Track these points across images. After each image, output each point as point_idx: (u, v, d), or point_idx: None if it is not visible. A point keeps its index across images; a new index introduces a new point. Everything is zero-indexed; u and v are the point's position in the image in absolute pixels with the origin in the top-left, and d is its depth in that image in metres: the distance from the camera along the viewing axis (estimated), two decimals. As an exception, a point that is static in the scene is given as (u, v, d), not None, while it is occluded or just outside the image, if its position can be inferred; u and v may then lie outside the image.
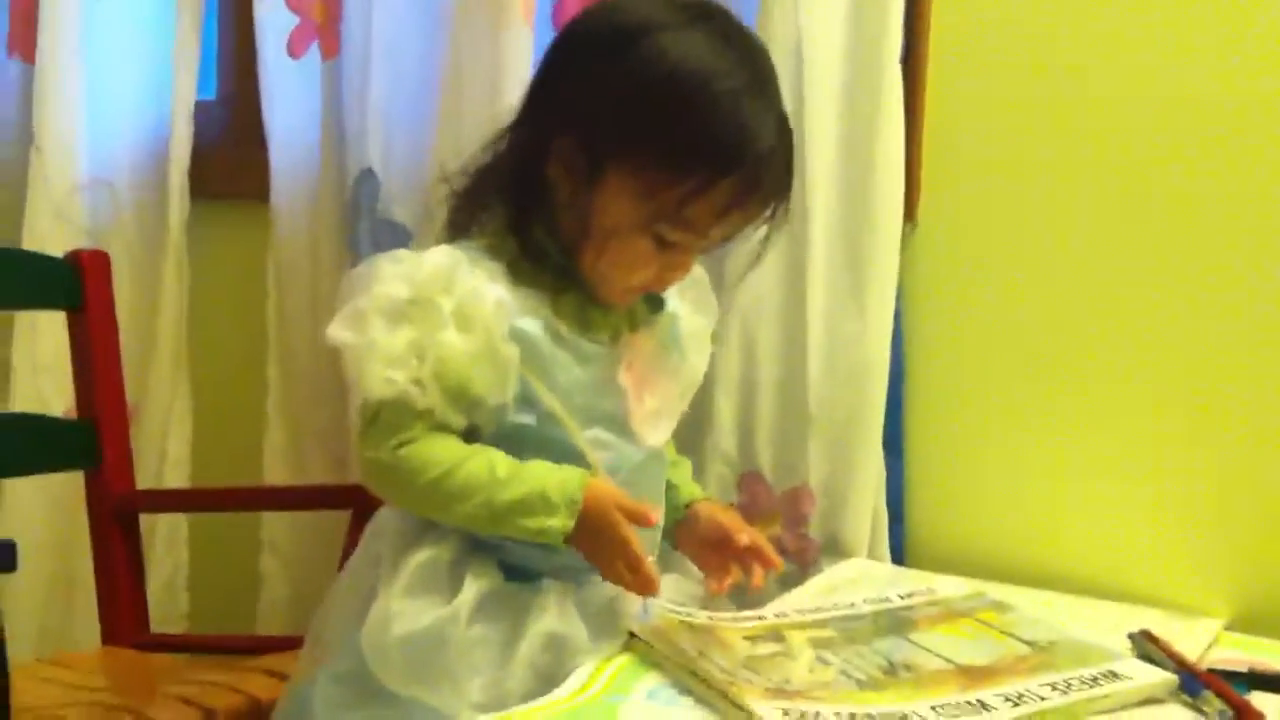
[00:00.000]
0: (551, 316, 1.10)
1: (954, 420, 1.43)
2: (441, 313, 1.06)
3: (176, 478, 1.88)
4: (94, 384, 1.57)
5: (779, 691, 0.96)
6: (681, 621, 1.08)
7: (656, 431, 1.16)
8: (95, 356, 1.57)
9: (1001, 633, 1.13)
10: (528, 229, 1.11)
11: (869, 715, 0.93)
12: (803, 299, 1.39)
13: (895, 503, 1.43)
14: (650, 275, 1.11)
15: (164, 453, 1.87)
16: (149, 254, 1.87)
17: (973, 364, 1.42)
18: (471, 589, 1.06)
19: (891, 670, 1.03)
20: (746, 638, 1.07)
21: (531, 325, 1.09)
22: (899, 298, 1.39)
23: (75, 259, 1.58)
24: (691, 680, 0.99)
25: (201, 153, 1.87)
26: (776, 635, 1.09)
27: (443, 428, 1.07)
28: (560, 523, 1.04)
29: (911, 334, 1.43)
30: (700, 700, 0.97)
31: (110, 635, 1.57)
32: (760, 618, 1.14)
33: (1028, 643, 1.10)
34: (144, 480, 1.75)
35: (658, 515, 1.12)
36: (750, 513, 1.42)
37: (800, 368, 1.39)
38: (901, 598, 1.21)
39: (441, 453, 1.07)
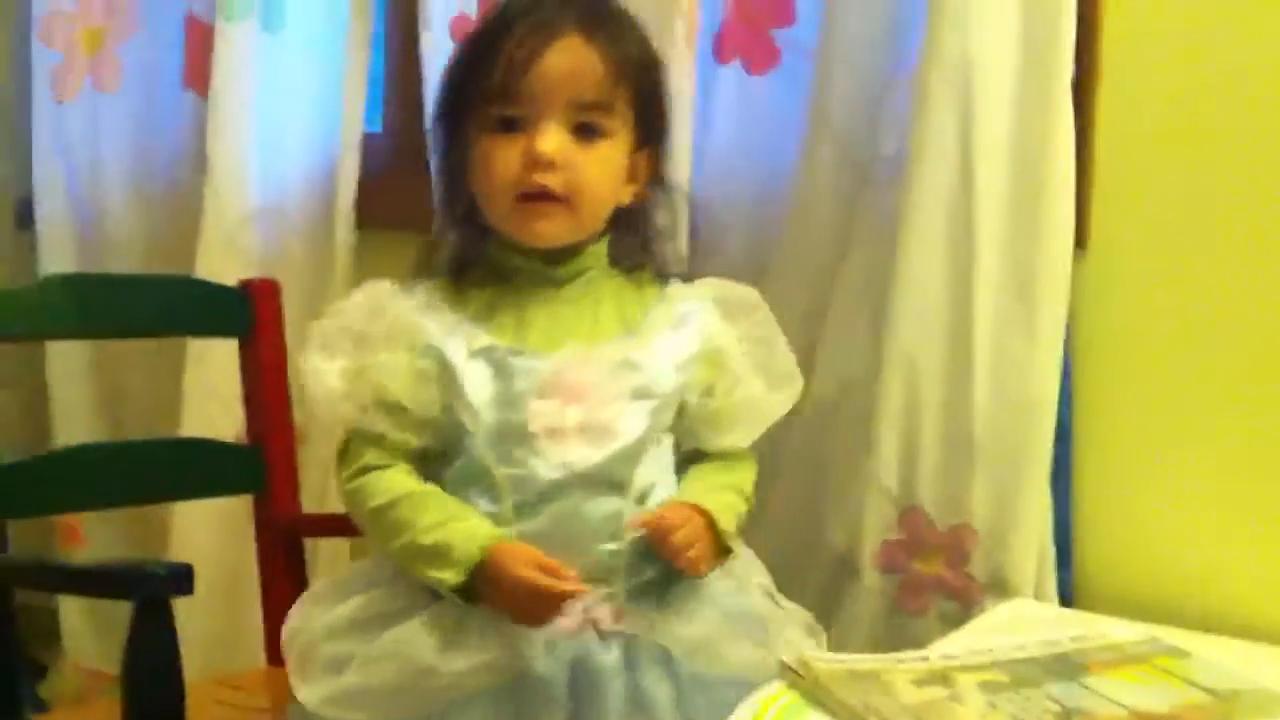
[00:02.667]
0: (479, 333, 1.14)
1: (1125, 454, 1.39)
2: (371, 338, 1.14)
3: (339, 503, 1.92)
4: (263, 410, 1.61)
5: (948, 739, 0.93)
6: (844, 668, 1.06)
7: (576, 448, 1.11)
8: (265, 383, 1.61)
9: (1181, 680, 1.08)
10: (450, 244, 1.19)
11: (1043, 765, 0.90)
12: (969, 327, 1.36)
13: (1063, 541, 1.38)
14: (514, 168, 1.12)
15: (328, 478, 1.91)
16: (317, 282, 1.92)
17: (1145, 394, 1.37)
18: (356, 601, 1.14)
19: (1065, 716, 1.00)
20: (913, 682, 1.05)
21: (448, 342, 1.13)
22: (1068, 325, 1.35)
23: (247, 287, 1.62)
24: (856, 723, 0.96)
25: (367, 183, 1.92)
26: (944, 678, 1.06)
27: (400, 452, 1.14)
28: (451, 577, 1.07)
29: (1081, 363, 1.38)
30: (867, 744, 0.94)
31: (275, 655, 1.60)
32: (925, 659, 1.11)
33: (1209, 691, 1.05)
34: (309, 504, 1.79)
35: (570, 570, 1.06)
36: (912, 550, 1.39)
37: (965, 399, 1.36)
38: (1072, 640, 1.17)
39: (387, 487, 1.13)
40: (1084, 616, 1.30)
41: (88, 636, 2.19)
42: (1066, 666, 1.10)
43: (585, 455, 1.11)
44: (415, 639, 1.10)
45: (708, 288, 1.22)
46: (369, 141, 1.93)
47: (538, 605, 1.06)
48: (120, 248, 2.19)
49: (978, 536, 1.36)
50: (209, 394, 1.93)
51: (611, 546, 1.11)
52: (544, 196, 1.12)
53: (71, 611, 2.17)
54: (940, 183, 1.34)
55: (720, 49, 1.56)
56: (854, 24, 1.42)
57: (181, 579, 1.18)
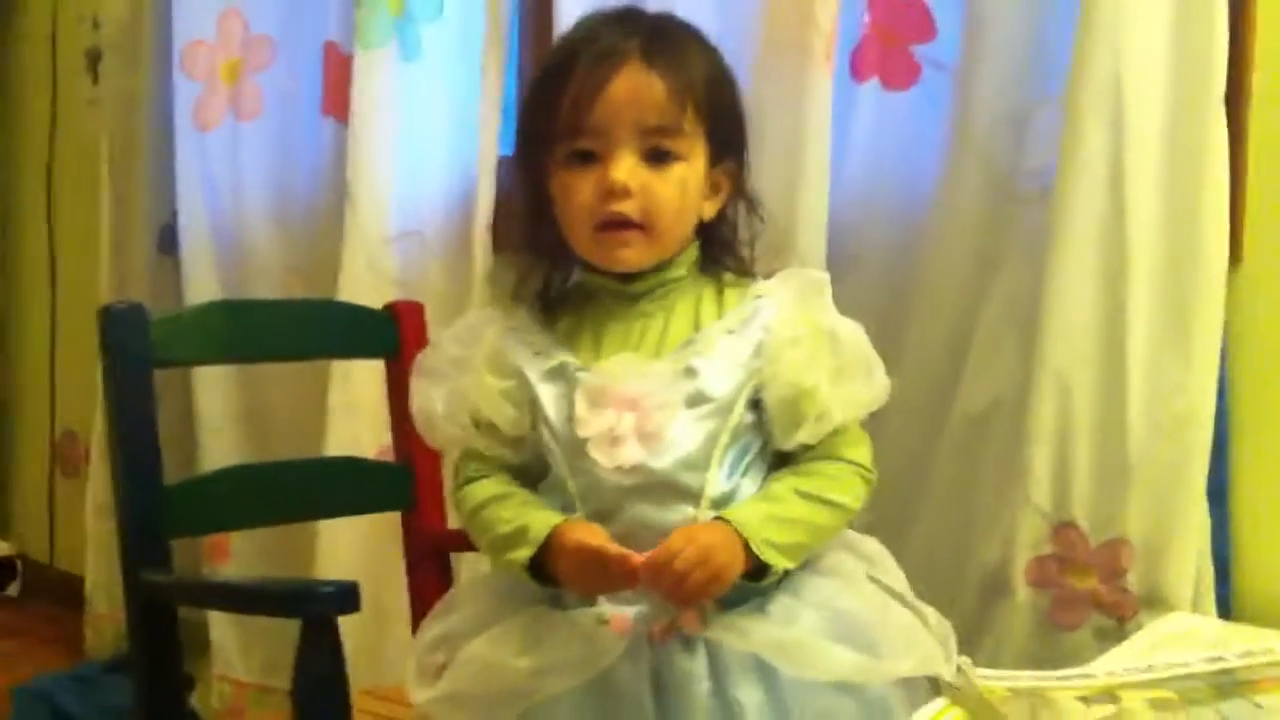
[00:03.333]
0: (560, 350, 1.18)
1: (1284, 468, 1.36)
2: (468, 362, 1.21)
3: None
4: (410, 429, 1.64)
5: (1123, 760, 0.92)
6: (1008, 687, 1.06)
7: (634, 456, 1.12)
8: (412, 402, 1.65)
9: (1354, 699, 1.06)
10: (539, 270, 1.22)
11: (1223, 787, 0.89)
12: (1122, 343, 1.35)
13: (1221, 555, 1.36)
14: (591, 199, 1.15)
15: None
16: (455, 303, 1.96)
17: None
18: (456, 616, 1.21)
19: (1237, 736, 0.98)
20: (1078, 699, 1.04)
21: (531, 364, 1.19)
22: (1224, 340, 1.33)
23: (393, 310, 1.66)
24: (1028, 745, 0.96)
25: (503, 206, 1.95)
26: (1111, 695, 1.05)
27: (498, 466, 1.21)
28: (524, 554, 1.12)
29: (1237, 377, 1.37)
30: (1039, 764, 0.94)
31: (425, 669, 1.63)
32: (1089, 675, 1.10)
33: (1384, 710, 1.03)
34: (454, 520, 1.82)
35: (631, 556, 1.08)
36: (1065, 565, 1.38)
37: (1119, 417, 1.35)
38: (1239, 657, 1.15)
39: (480, 490, 1.21)
40: (1246, 630, 1.28)
41: (235, 648, 2.26)
42: (1234, 684, 1.08)
43: (645, 462, 1.13)
44: (497, 644, 1.14)
45: (784, 279, 1.21)
46: (504, 165, 1.97)
47: (600, 573, 1.09)
48: (261, 271, 2.26)
49: (1133, 551, 1.35)
50: (353, 412, 1.98)
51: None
52: (622, 225, 1.15)
53: (220, 624, 2.24)
54: (1091, 200, 1.34)
55: (857, 67, 1.57)
56: (998, 40, 1.42)
57: (347, 597, 1.21)
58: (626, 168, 1.14)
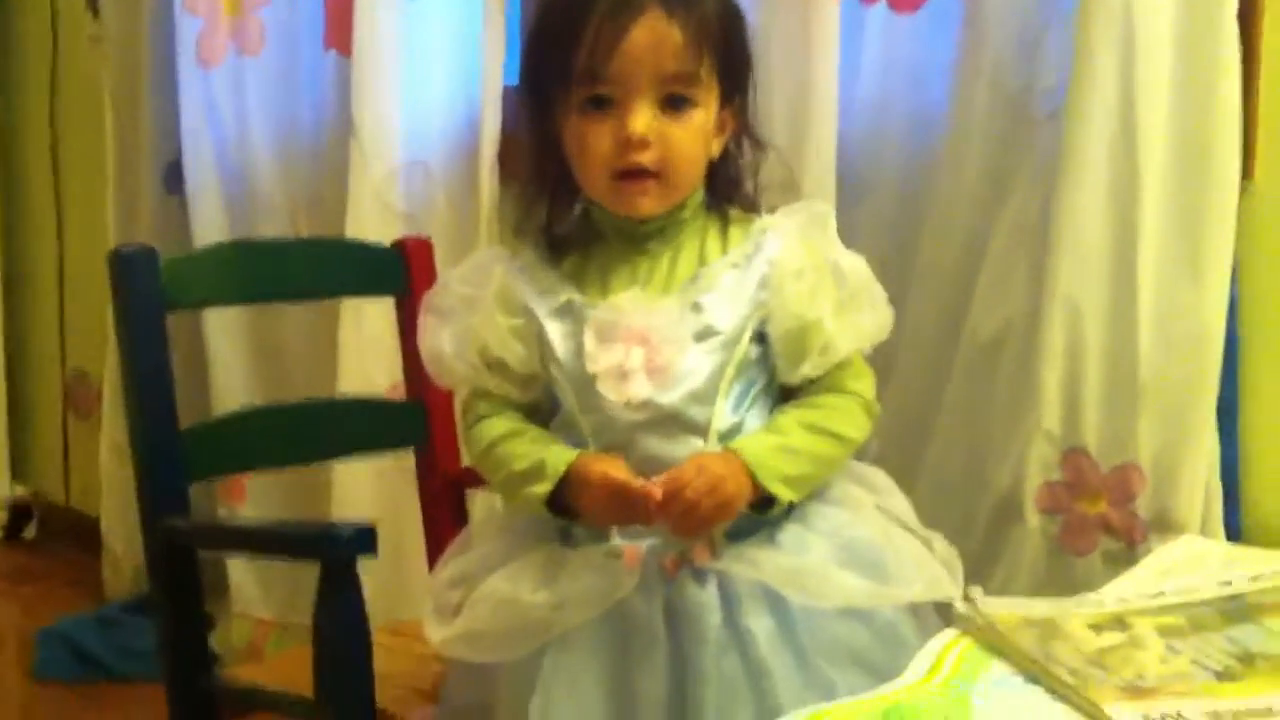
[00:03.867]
0: (567, 288, 1.19)
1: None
2: (478, 301, 1.21)
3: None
4: (421, 367, 1.64)
5: (1133, 690, 0.93)
6: (1018, 615, 1.07)
7: (642, 391, 1.14)
8: (425, 339, 1.65)
9: (1364, 619, 1.06)
10: (543, 208, 1.22)
11: (1234, 712, 0.90)
12: (1133, 264, 1.34)
13: (1230, 478, 1.36)
14: (608, 148, 1.14)
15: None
16: (463, 235, 1.96)
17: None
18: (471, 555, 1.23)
19: (1248, 659, 0.99)
20: (1089, 627, 1.05)
21: (539, 301, 1.19)
22: (1235, 260, 1.33)
23: (402, 247, 1.66)
24: (1041, 673, 0.97)
25: (509, 136, 1.94)
26: (1120, 623, 1.06)
27: (508, 404, 1.22)
28: (542, 488, 1.13)
29: (1248, 298, 1.36)
30: (1052, 691, 0.95)
31: (443, 605, 1.65)
32: (1100, 603, 1.11)
33: (1395, 630, 1.04)
34: (468, 457, 1.83)
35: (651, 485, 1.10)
36: (1075, 491, 1.38)
37: (1130, 337, 1.34)
38: (1250, 581, 1.15)
39: (491, 429, 1.21)
40: (1255, 553, 1.28)
41: (254, 587, 2.28)
42: (1244, 608, 1.09)
43: (653, 397, 1.14)
44: (513, 580, 1.16)
45: (788, 214, 1.22)
46: (509, 94, 1.95)
47: (619, 503, 1.11)
48: (267, 207, 2.25)
49: (1143, 475, 1.35)
50: (364, 349, 1.99)
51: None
52: (639, 174, 1.15)
53: (239, 563, 2.26)
54: (1101, 120, 1.32)
55: (863, -9, 1.55)
56: (1007, -40, 1.40)
57: (365, 540, 1.22)
58: (645, 118, 1.14)
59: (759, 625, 1.13)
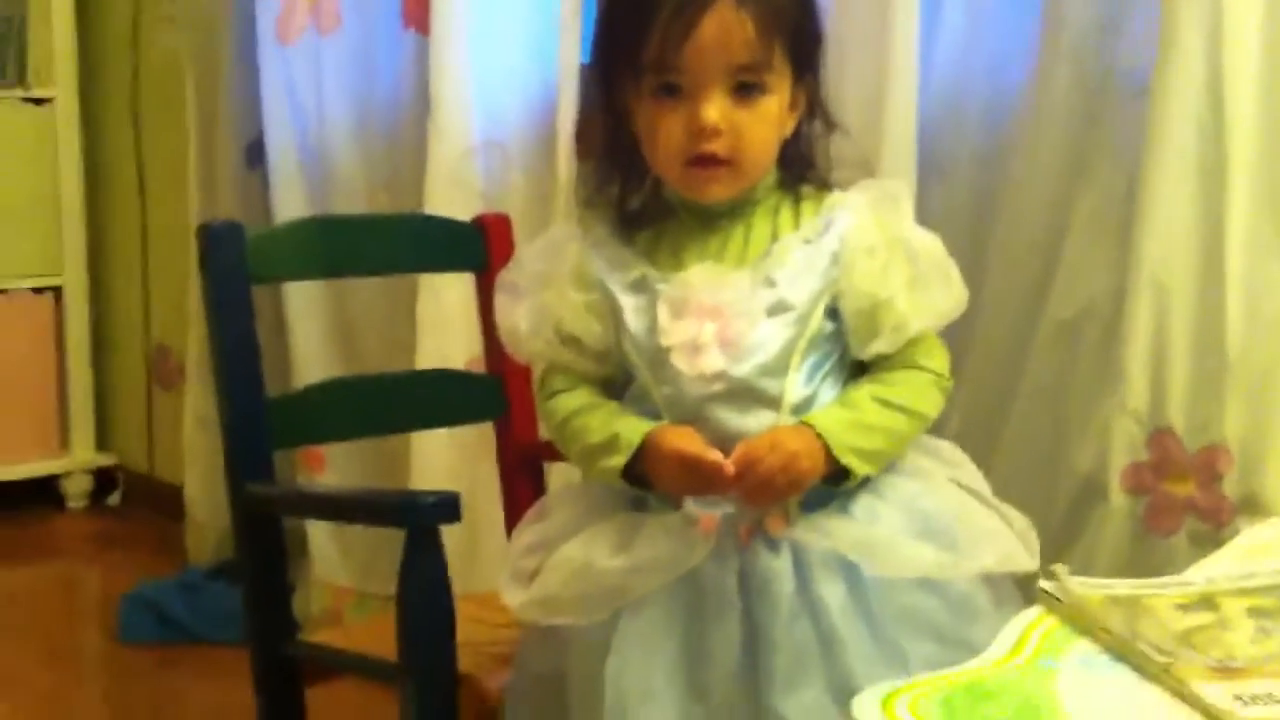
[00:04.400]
0: (640, 263, 1.19)
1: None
2: (552, 277, 1.22)
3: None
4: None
5: (1223, 670, 0.92)
6: (1103, 594, 1.06)
7: (714, 364, 1.14)
8: (503, 314, 1.66)
9: None
10: (615, 184, 1.22)
11: (1326, 693, 0.89)
12: (1221, 244, 1.32)
13: (1320, 459, 1.35)
14: (680, 136, 1.14)
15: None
16: (540, 212, 1.97)
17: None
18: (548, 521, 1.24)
19: (1340, 642, 0.98)
20: (1176, 607, 1.04)
21: (613, 277, 1.20)
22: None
23: (480, 223, 1.67)
24: (1128, 652, 0.97)
25: (585, 114, 1.94)
26: (1209, 603, 1.05)
27: (584, 378, 1.23)
28: (618, 460, 1.15)
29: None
30: (1139, 670, 0.95)
31: (520, 574, 1.67)
32: (1187, 583, 1.10)
33: None
34: (545, 430, 1.85)
35: (718, 455, 1.11)
36: (1161, 471, 1.37)
37: (1218, 317, 1.33)
38: (1341, 562, 1.14)
39: (567, 403, 1.22)
40: (1345, 535, 1.26)
41: (333, 554, 2.32)
42: (1335, 590, 1.08)
43: (725, 370, 1.14)
44: (589, 547, 1.18)
45: (861, 190, 1.20)
46: (585, 72, 1.96)
47: (693, 475, 1.12)
48: (345, 184, 2.28)
49: (1231, 457, 1.34)
50: (442, 325, 2.01)
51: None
52: (712, 162, 1.15)
53: (319, 531, 2.30)
54: (1188, 98, 1.31)
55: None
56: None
57: (450, 507, 1.25)
58: (717, 108, 1.13)
59: (831, 594, 1.13)
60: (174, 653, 2.37)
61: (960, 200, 1.52)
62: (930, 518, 1.15)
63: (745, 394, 1.15)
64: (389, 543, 2.15)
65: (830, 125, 1.23)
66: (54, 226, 3.15)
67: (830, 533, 1.14)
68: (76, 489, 3.23)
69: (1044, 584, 1.05)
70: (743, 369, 1.15)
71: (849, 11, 1.52)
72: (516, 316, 1.26)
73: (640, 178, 1.22)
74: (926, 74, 1.53)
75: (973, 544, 1.14)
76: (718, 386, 1.15)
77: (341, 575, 2.31)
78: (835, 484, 1.15)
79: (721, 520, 1.15)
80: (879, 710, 0.88)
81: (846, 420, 1.14)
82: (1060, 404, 1.45)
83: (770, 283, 1.16)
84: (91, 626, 2.68)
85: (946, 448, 1.24)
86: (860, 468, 1.14)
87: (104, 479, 3.28)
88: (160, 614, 2.43)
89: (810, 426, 1.13)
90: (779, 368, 1.15)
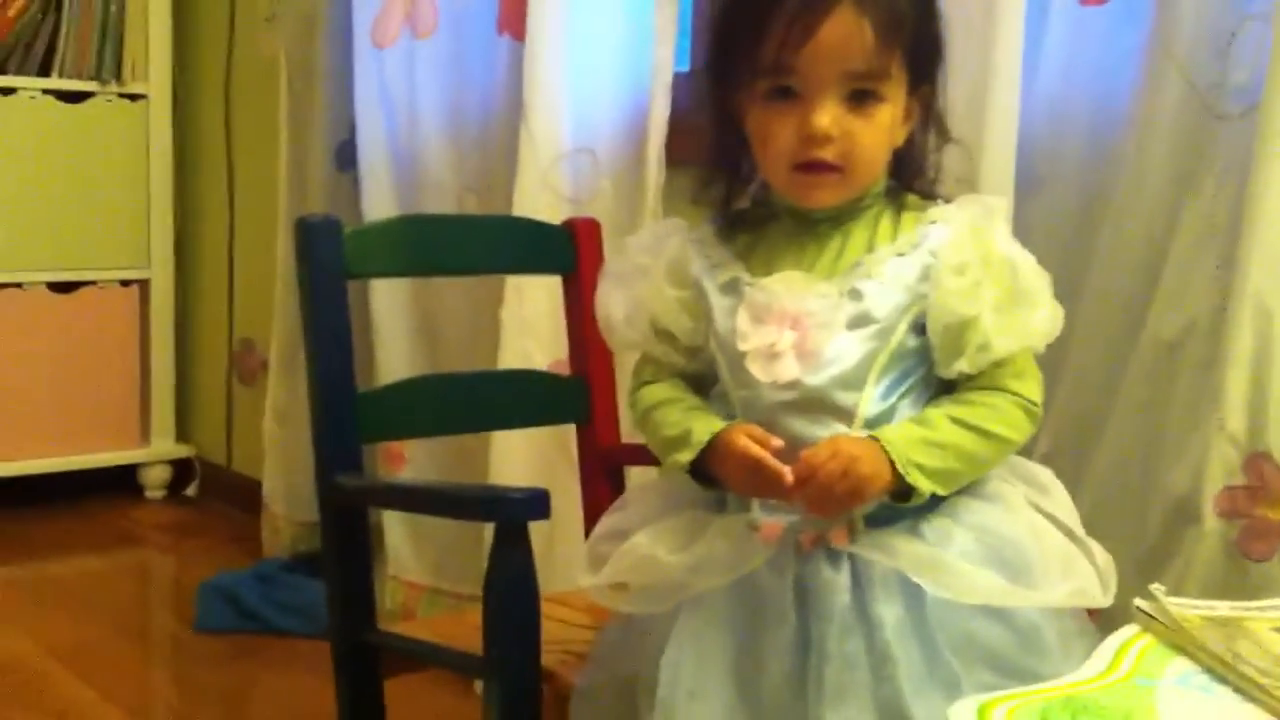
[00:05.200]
0: (736, 264, 1.20)
1: None
2: (651, 271, 1.24)
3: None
4: (586, 344, 1.67)
5: (1328, 690, 0.91)
6: (1200, 615, 1.05)
7: (790, 372, 1.13)
8: (588, 318, 1.66)
9: None
10: (722, 183, 1.23)
11: None
12: (1328, 268, 1.30)
13: None
14: (791, 140, 1.14)
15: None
16: (628, 218, 1.98)
17: None
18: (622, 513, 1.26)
19: None
20: (1275, 630, 1.03)
21: (709, 276, 1.21)
22: None
23: (570, 226, 1.68)
24: (1228, 672, 0.95)
25: (676, 120, 1.95)
26: (1309, 628, 1.04)
27: (674, 372, 1.25)
28: (686, 455, 1.16)
29: None
30: (1239, 690, 0.93)
31: (600, 576, 1.67)
32: (1286, 607, 1.08)
33: None
34: (627, 431, 1.86)
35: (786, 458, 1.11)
36: (1257, 496, 1.35)
37: (1321, 342, 1.31)
38: None
39: (653, 394, 1.25)
40: None
41: (408, 551, 2.34)
42: None
43: (799, 379, 1.14)
44: (655, 540, 1.19)
45: (961, 205, 1.19)
46: (677, 80, 1.97)
47: (755, 478, 1.12)
48: (434, 187, 2.31)
49: (1329, 484, 1.32)
50: (526, 328, 2.03)
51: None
52: (821, 168, 1.15)
53: (394, 527, 2.32)
54: (1300, 116, 1.29)
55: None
56: (1202, -47, 1.37)
57: (539, 503, 1.26)
58: (830, 114, 1.13)
59: (888, 612, 1.12)
60: (248, 642, 2.40)
61: (1061, 214, 1.51)
62: (1004, 544, 1.13)
63: (818, 404, 1.14)
64: (461, 541, 2.20)
65: (944, 138, 1.22)
66: (143, 221, 3.21)
67: (894, 551, 1.13)
68: (155, 479, 3.29)
69: (1139, 603, 1.04)
70: (818, 379, 1.14)
71: (953, 21, 1.51)
72: (614, 305, 1.28)
73: (747, 180, 1.23)
74: (1030, 86, 1.52)
75: (1045, 575, 1.12)
76: (791, 395, 1.15)
77: (414, 571, 2.34)
78: (903, 500, 1.13)
79: (785, 529, 1.15)
80: (976, 718, 0.88)
81: (916, 436, 1.13)
82: (1156, 424, 1.43)
83: (857, 295, 1.15)
84: (168, 614, 2.72)
85: (1042, 473, 1.22)
86: (924, 484, 1.12)
87: (182, 470, 3.33)
88: (236, 604, 2.47)
89: (876, 439, 1.12)
90: (856, 380, 1.14)
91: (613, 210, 2.00)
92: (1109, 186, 1.49)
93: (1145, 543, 1.38)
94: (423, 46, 2.28)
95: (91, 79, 3.13)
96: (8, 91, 3.04)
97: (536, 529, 1.98)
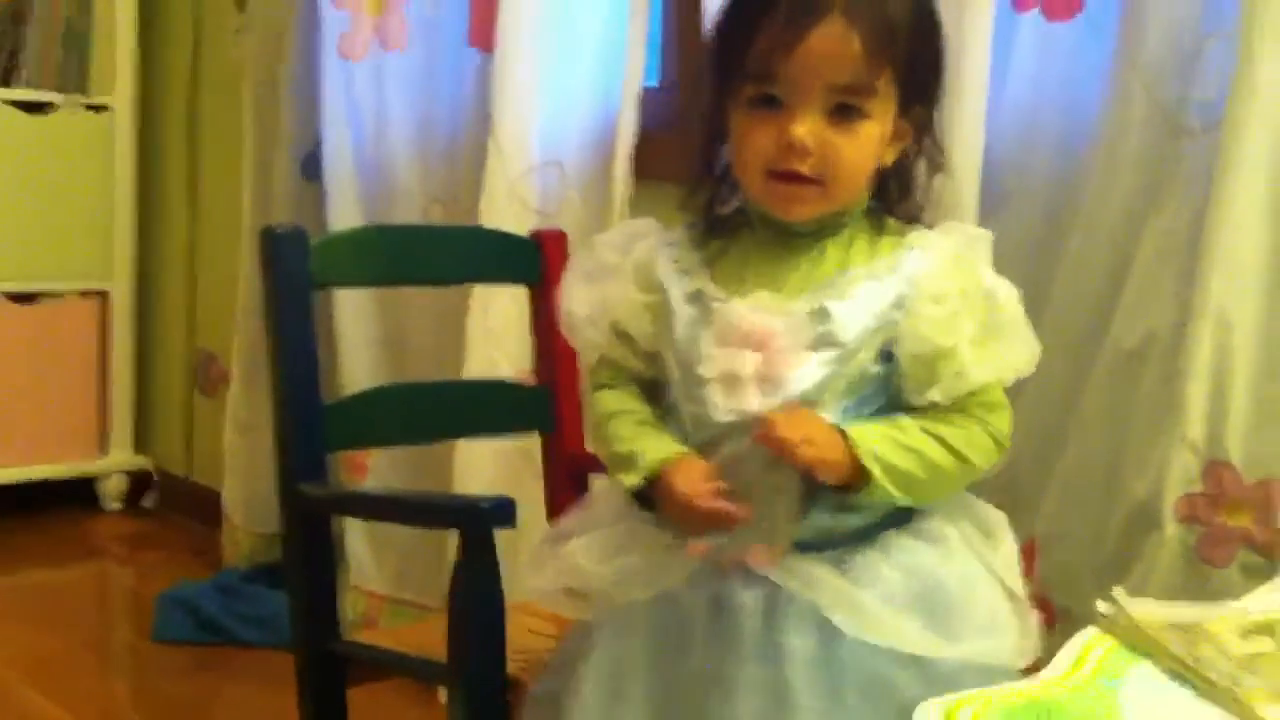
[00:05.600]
0: (704, 274, 1.18)
1: None
2: (618, 271, 1.22)
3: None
4: (553, 353, 1.68)
5: (1288, 693, 0.92)
6: (1162, 617, 1.06)
7: (750, 397, 1.11)
8: (554, 328, 1.66)
9: None
10: (707, 189, 1.20)
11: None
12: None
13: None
14: (768, 148, 1.12)
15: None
16: (596, 230, 1.98)
17: None
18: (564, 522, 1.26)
19: (1400, 674, 0.97)
20: (1236, 633, 1.04)
21: (675, 282, 1.19)
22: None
23: (538, 237, 1.69)
24: (1190, 674, 0.97)
25: (644, 135, 1.96)
26: (1270, 630, 1.05)
27: (631, 376, 1.23)
28: (632, 479, 1.15)
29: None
30: (1202, 693, 0.95)
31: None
32: (1244, 610, 1.09)
33: None
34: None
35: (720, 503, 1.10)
36: (1216, 503, 1.37)
37: (1280, 352, 1.33)
38: (1398, 597, 1.14)
39: (608, 402, 1.23)
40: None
41: (369, 561, 2.33)
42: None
43: (757, 404, 1.12)
44: (588, 548, 1.19)
45: (943, 233, 1.17)
46: (647, 95, 1.98)
47: (691, 519, 1.11)
48: (401, 198, 2.31)
49: (1290, 490, 1.34)
50: (491, 338, 2.03)
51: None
52: (797, 179, 1.13)
53: (355, 537, 2.31)
54: (1262, 133, 1.31)
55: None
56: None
57: (505, 512, 1.25)
58: (809, 125, 1.11)
59: (799, 644, 1.09)
60: (208, 654, 2.38)
61: (1027, 227, 1.52)
62: (931, 590, 1.11)
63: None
64: (423, 550, 2.19)
65: (936, 164, 1.20)
66: (105, 232, 3.18)
67: (814, 582, 1.10)
68: (113, 490, 3.25)
69: (1102, 606, 1.05)
70: (773, 403, 1.12)
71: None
72: (577, 302, 1.26)
73: (733, 187, 1.21)
74: (997, 102, 1.54)
75: (966, 627, 1.11)
76: (745, 418, 1.12)
77: (376, 581, 2.32)
78: (854, 493, 1.11)
79: (712, 547, 1.13)
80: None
81: (882, 432, 1.11)
82: (1118, 432, 1.45)
83: (824, 315, 1.13)
84: (127, 625, 2.69)
85: (991, 516, 1.19)
86: (881, 479, 1.09)
87: (140, 481, 3.30)
88: (195, 615, 2.44)
89: (839, 429, 1.10)
90: (811, 404, 1.12)
91: (581, 222, 2.00)
92: (1076, 199, 1.51)
93: (1107, 548, 1.40)
94: (393, 60, 2.28)
95: (56, 89, 3.11)
96: (-31, 101, 3.02)
97: (500, 537, 2.00)
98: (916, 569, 1.12)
